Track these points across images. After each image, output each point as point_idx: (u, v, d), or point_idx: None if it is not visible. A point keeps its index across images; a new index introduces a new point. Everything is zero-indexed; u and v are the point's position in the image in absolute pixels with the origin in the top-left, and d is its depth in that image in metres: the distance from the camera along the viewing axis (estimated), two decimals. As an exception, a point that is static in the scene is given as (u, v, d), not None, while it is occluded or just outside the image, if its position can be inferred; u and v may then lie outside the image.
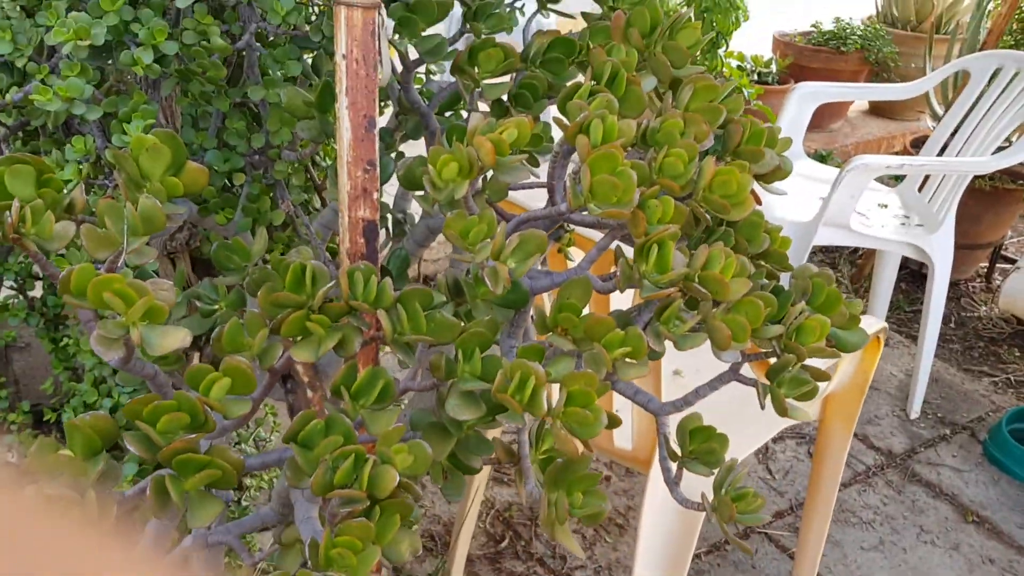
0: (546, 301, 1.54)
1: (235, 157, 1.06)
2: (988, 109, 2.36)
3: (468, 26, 0.98)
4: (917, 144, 3.03)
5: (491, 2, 0.95)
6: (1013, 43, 2.86)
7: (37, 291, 1.54)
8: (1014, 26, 2.87)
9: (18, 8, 0.92)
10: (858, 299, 0.87)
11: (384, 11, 0.90)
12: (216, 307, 1.02)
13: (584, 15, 1.10)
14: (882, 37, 3.70)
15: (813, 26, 3.89)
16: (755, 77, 3.60)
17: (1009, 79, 2.33)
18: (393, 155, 1.22)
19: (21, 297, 1.52)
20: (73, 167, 0.88)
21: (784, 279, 0.92)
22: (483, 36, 0.95)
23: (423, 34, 0.91)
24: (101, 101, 0.90)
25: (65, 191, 0.81)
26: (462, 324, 0.76)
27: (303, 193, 1.24)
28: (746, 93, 3.28)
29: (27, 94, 0.90)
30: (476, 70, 0.91)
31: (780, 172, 0.94)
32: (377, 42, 0.84)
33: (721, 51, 3.38)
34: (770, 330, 0.78)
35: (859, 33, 3.71)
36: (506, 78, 0.93)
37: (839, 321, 0.87)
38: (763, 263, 0.92)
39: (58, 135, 1.03)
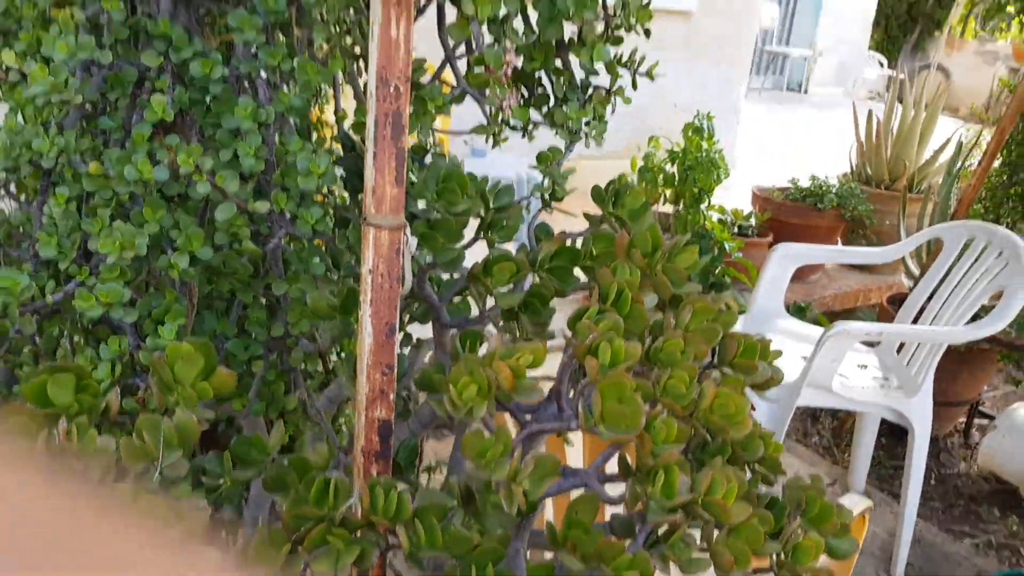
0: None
1: (255, 345, 1.11)
2: (962, 277, 2.47)
3: (482, 234, 1.05)
4: (894, 300, 3.14)
5: (503, 217, 1.03)
6: (983, 210, 3.01)
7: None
8: (983, 194, 3.02)
9: (64, 210, 0.98)
10: (847, 509, 0.92)
11: (408, 229, 0.97)
12: (221, 482, 1.05)
13: (586, 216, 1.18)
14: (857, 195, 3.86)
15: (791, 182, 4.05)
16: (736, 230, 3.73)
17: (980, 251, 2.44)
18: (400, 335, 1.27)
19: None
20: (106, 367, 0.92)
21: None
22: (496, 248, 1.02)
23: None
24: (136, 302, 0.96)
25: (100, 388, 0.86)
26: (475, 538, 0.80)
27: (312, 374, 1.28)
28: (727, 247, 3.40)
29: (67, 295, 0.95)
30: (490, 280, 0.98)
31: (773, 381, 1.00)
32: (401, 258, 0.91)
33: (703, 206, 3.53)
34: (769, 547, 0.82)
35: (835, 191, 3.87)
36: (515, 288, 0.99)
37: (831, 531, 0.91)
38: (758, 467, 0.97)
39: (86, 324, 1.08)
